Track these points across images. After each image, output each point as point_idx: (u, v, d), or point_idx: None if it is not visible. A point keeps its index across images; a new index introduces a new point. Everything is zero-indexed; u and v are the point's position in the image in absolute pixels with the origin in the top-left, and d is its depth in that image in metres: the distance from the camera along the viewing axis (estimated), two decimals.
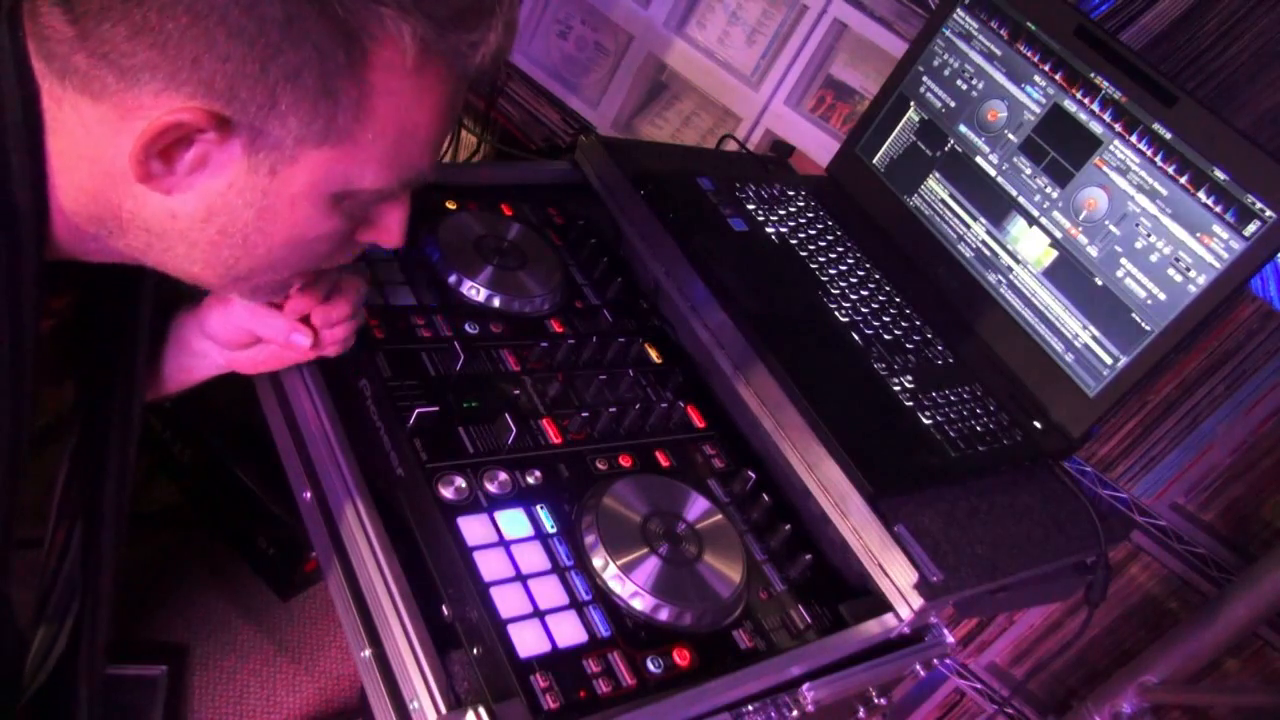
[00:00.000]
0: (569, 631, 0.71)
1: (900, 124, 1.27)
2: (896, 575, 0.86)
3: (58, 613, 0.74)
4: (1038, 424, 1.08)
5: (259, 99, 0.53)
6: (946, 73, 1.22)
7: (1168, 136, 1.03)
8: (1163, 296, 1.03)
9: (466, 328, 0.93)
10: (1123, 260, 1.06)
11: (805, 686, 0.78)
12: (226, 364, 0.83)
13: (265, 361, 0.82)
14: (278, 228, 0.60)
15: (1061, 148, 1.12)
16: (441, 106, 0.59)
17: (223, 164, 0.56)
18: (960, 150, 1.21)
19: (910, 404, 1.01)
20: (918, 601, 0.84)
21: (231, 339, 0.79)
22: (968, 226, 1.20)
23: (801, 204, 1.26)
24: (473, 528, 0.75)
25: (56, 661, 0.76)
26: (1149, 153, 1.04)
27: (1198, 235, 1.01)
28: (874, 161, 1.30)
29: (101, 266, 0.65)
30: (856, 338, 1.07)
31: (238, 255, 0.61)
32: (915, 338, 1.12)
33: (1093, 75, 1.08)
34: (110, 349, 0.74)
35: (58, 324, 0.71)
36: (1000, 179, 1.17)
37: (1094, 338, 1.08)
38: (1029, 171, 1.14)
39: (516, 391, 0.89)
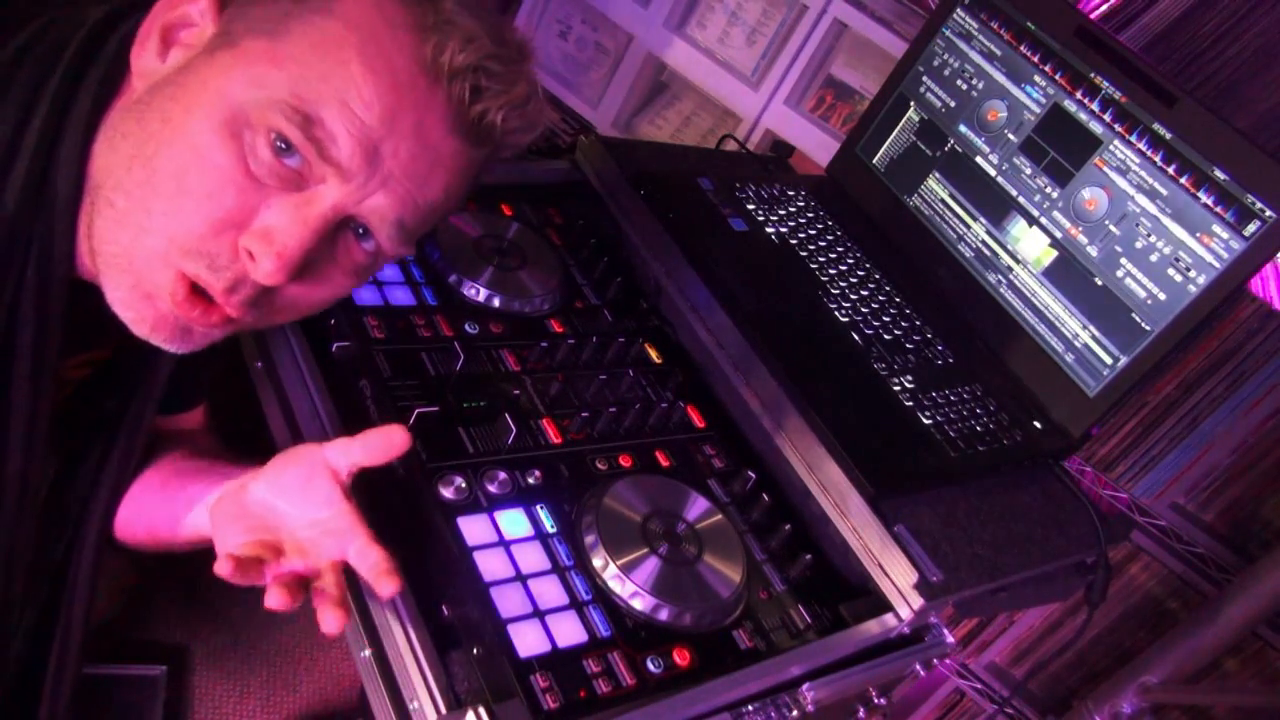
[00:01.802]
0: (569, 631, 0.72)
1: (900, 124, 1.27)
2: (896, 575, 0.86)
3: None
4: (1038, 424, 1.08)
5: None
6: (946, 73, 1.22)
7: (1168, 136, 1.03)
8: (1163, 296, 1.03)
9: (466, 328, 0.93)
10: (1123, 260, 1.06)
11: (805, 686, 0.78)
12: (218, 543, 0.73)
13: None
14: (176, 136, 0.58)
15: (1061, 148, 1.12)
16: (384, 71, 0.57)
17: (191, 41, 0.60)
18: (960, 150, 1.21)
19: (910, 404, 1.01)
20: (918, 601, 0.84)
21: (227, 530, 0.69)
22: (968, 226, 1.20)
23: (801, 204, 1.26)
24: (473, 528, 0.75)
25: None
26: (1149, 153, 1.04)
27: (1198, 235, 1.01)
28: (874, 161, 1.30)
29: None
30: (856, 338, 1.07)
31: (146, 172, 0.58)
32: (915, 338, 1.12)
33: (1093, 75, 1.08)
34: (129, 394, 0.75)
35: (96, 359, 0.74)
36: (1000, 179, 1.17)
37: (1094, 338, 1.08)
38: (1029, 171, 1.14)
39: (516, 391, 0.89)
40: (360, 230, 0.63)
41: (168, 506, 0.78)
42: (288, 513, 0.67)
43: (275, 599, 0.60)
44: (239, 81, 0.57)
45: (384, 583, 0.64)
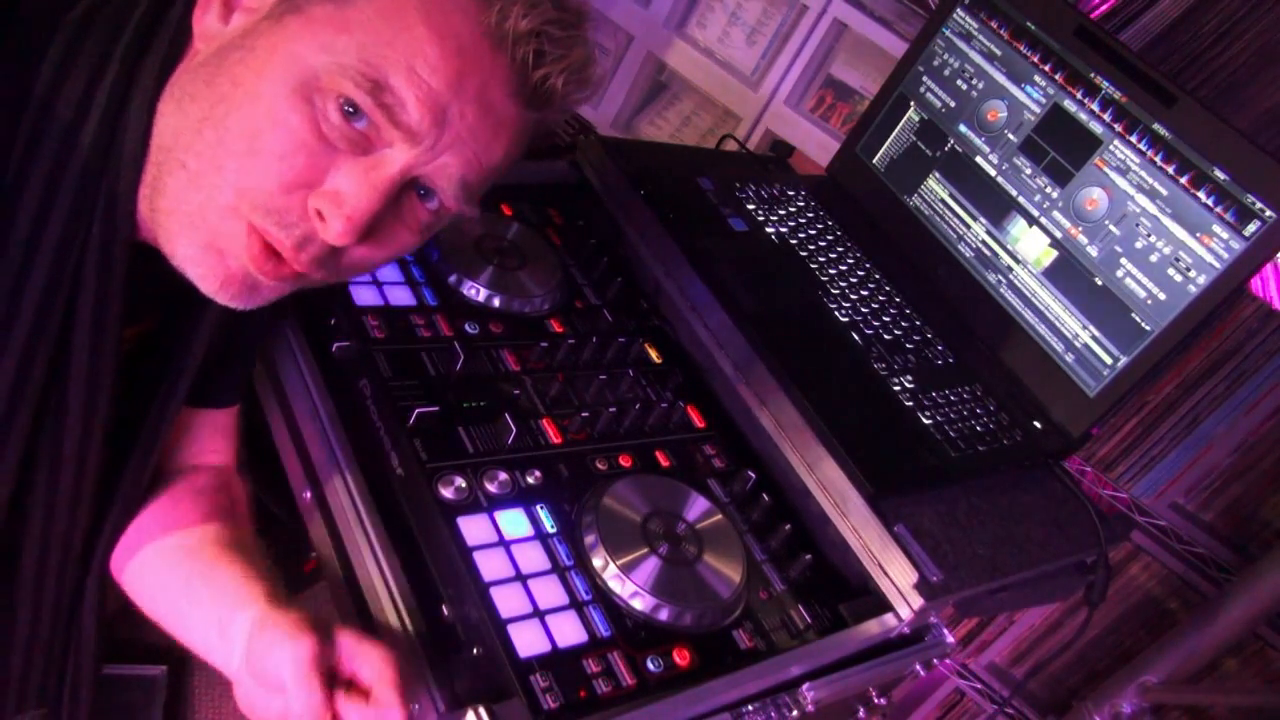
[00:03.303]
0: (569, 631, 0.71)
1: (900, 124, 1.27)
2: (896, 575, 0.86)
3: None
4: (1038, 424, 1.08)
5: None
6: (946, 73, 1.22)
7: (1168, 136, 1.03)
8: (1163, 296, 1.03)
9: (466, 328, 0.93)
10: (1123, 260, 1.06)
11: (805, 686, 0.78)
12: (234, 679, 0.70)
13: (264, 708, 0.68)
14: (247, 99, 0.59)
15: (1061, 148, 1.12)
16: (449, 35, 0.58)
17: (253, 5, 0.61)
18: (960, 150, 1.21)
19: (910, 404, 1.01)
20: (918, 601, 0.84)
21: (259, 670, 0.66)
22: (968, 226, 1.20)
23: (801, 204, 1.26)
24: (473, 528, 0.75)
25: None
26: (1149, 153, 1.04)
27: (1198, 235, 1.01)
28: (874, 161, 1.30)
29: (178, 293, 0.66)
30: (856, 338, 1.07)
31: (218, 133, 0.60)
32: (915, 338, 1.12)
33: (1093, 75, 1.08)
34: (167, 366, 0.75)
35: (144, 330, 0.74)
36: (1000, 179, 1.17)
37: (1094, 338, 1.08)
38: (1029, 171, 1.14)
39: (516, 391, 0.89)
40: (423, 191, 0.64)
41: (186, 590, 0.76)
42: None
43: None
44: (308, 46, 0.58)
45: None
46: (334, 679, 0.65)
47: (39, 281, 0.61)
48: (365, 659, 0.65)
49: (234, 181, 0.59)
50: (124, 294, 0.65)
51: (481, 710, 0.63)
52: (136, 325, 0.74)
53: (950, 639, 0.93)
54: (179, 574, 0.76)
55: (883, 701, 0.87)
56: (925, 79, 1.24)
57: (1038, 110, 1.14)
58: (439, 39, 0.58)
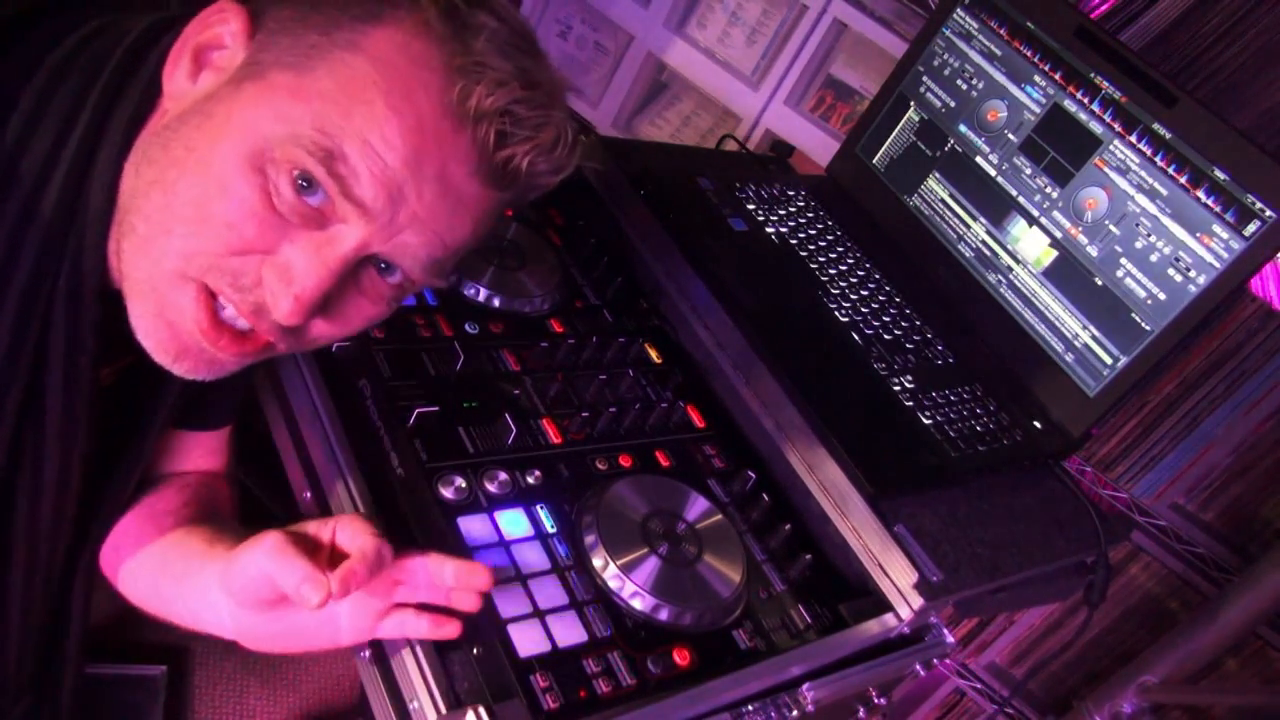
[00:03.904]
0: (569, 631, 0.71)
1: (900, 124, 1.27)
2: (896, 575, 0.86)
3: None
4: (1038, 424, 1.08)
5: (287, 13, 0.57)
6: (946, 73, 1.22)
7: (1168, 136, 1.03)
8: (1163, 296, 1.03)
9: (466, 328, 0.93)
10: (1123, 260, 1.06)
11: (805, 686, 0.78)
12: (233, 631, 0.71)
13: (271, 639, 0.70)
14: (199, 166, 0.57)
15: (1061, 148, 1.12)
16: (409, 112, 0.56)
17: (222, 64, 0.60)
18: (960, 150, 1.21)
19: (910, 404, 1.01)
20: (918, 601, 0.84)
21: (245, 591, 0.67)
22: (968, 226, 1.20)
23: (801, 204, 1.26)
24: (473, 528, 0.75)
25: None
26: (1149, 153, 1.04)
27: (1198, 235, 1.01)
28: (874, 161, 1.30)
29: None
30: (856, 338, 1.07)
31: (167, 198, 0.58)
32: (915, 338, 1.12)
33: (1093, 75, 1.08)
34: (148, 400, 0.75)
35: (124, 367, 0.73)
36: (1000, 179, 1.17)
37: (1094, 338, 1.08)
38: (1029, 171, 1.14)
39: (516, 391, 0.89)
40: (384, 265, 0.62)
41: (174, 560, 0.77)
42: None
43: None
44: (264, 116, 0.56)
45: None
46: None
47: (6, 323, 0.59)
48: (337, 529, 0.66)
49: (180, 247, 0.57)
50: (97, 336, 0.63)
51: (481, 710, 0.63)
52: (116, 363, 0.73)
53: (950, 639, 0.93)
54: (156, 552, 0.77)
55: (883, 701, 0.87)
56: (925, 79, 1.24)
57: (1038, 110, 1.14)
58: (398, 115, 0.56)
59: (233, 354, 0.61)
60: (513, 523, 0.77)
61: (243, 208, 0.56)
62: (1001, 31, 1.17)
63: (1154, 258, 1.04)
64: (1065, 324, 1.11)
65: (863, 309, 1.12)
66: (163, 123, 0.60)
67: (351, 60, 0.57)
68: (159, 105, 0.62)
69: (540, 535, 0.77)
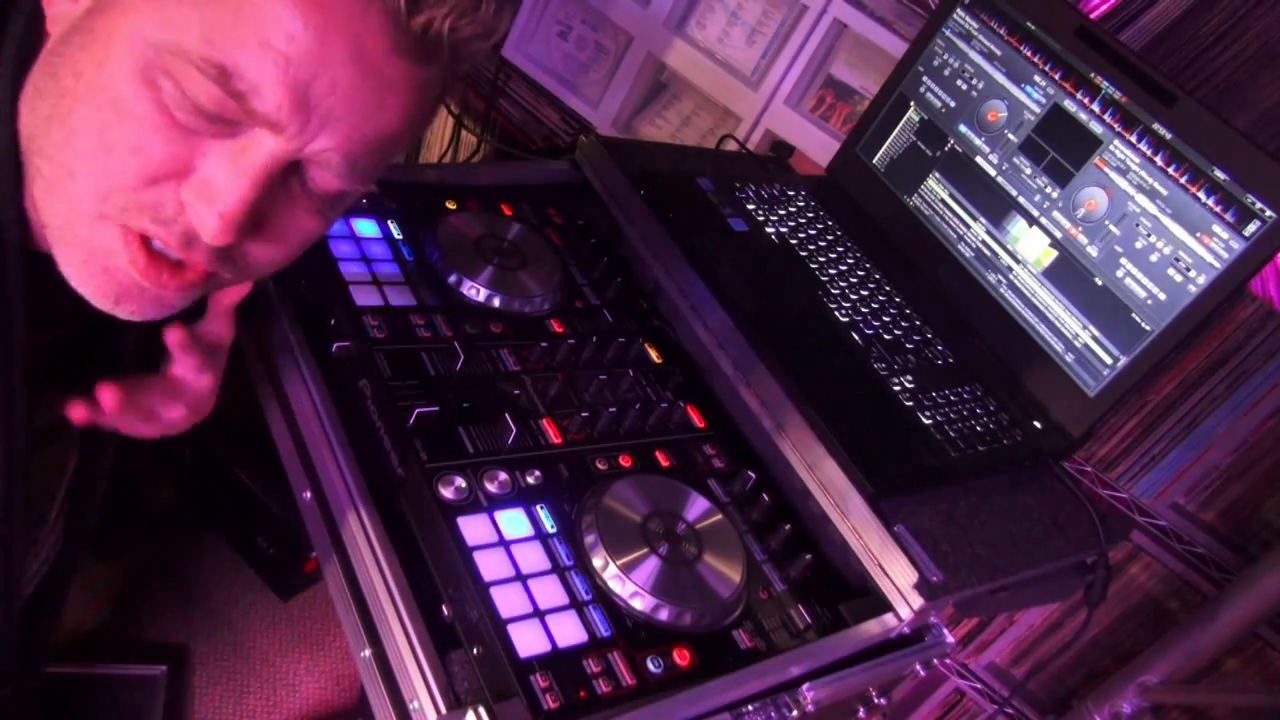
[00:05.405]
0: (569, 631, 0.71)
1: (900, 124, 1.27)
2: (896, 575, 0.86)
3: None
4: (1038, 424, 1.08)
5: None
6: (946, 73, 1.22)
7: (1168, 136, 1.03)
8: (1163, 296, 1.03)
9: (466, 328, 0.93)
10: (1123, 260, 1.06)
11: (805, 686, 0.78)
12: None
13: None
14: (90, 92, 0.52)
15: (1061, 148, 1.12)
16: (315, 14, 0.50)
17: None
18: (960, 150, 1.21)
19: (910, 404, 1.01)
20: (918, 601, 0.84)
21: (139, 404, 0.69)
22: (968, 226, 1.20)
23: (801, 204, 1.26)
24: (473, 528, 0.75)
25: None
26: (1149, 153, 1.04)
27: (1198, 235, 1.01)
28: (874, 161, 1.30)
29: None
30: (856, 338, 1.07)
31: (64, 133, 0.54)
32: (915, 338, 1.12)
33: (1093, 75, 1.08)
34: (103, 364, 0.72)
35: (62, 335, 0.70)
36: (1000, 179, 1.17)
37: (1094, 338, 1.08)
38: (1029, 171, 1.14)
39: (516, 391, 0.89)
40: (310, 175, 0.58)
41: None
42: None
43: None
44: (148, 22, 0.51)
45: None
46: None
47: None
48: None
49: (92, 187, 0.53)
50: (27, 301, 0.59)
51: (481, 710, 0.63)
52: (53, 330, 0.69)
53: (950, 639, 0.93)
54: None
55: (883, 701, 0.87)
56: (925, 79, 1.24)
57: (1038, 110, 1.14)
58: (302, 47, 0.50)
59: (175, 288, 0.57)
60: (513, 523, 0.77)
61: (144, 127, 0.52)
62: (1001, 31, 1.17)
63: (1154, 258, 1.04)
64: (1065, 324, 1.11)
65: (862, 309, 1.12)
66: (48, 48, 0.55)
67: None
68: (45, 31, 0.57)
69: (540, 535, 0.77)
